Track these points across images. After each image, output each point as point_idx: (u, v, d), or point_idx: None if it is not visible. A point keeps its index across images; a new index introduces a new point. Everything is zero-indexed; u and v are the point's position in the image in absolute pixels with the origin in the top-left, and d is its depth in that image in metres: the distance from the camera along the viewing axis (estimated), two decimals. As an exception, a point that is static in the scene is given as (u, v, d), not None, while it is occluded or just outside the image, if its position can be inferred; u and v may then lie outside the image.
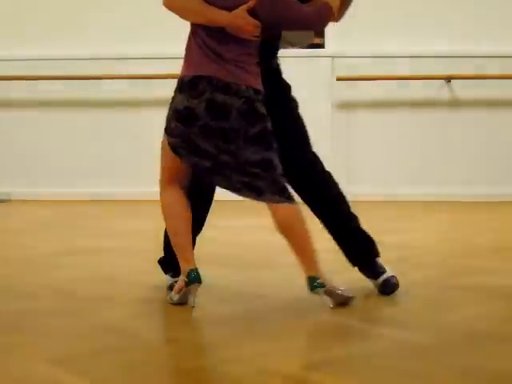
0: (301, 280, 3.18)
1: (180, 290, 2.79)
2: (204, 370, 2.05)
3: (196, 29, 2.77)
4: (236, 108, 2.69)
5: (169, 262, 3.08)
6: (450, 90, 6.99)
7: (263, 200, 2.76)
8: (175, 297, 2.80)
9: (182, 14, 2.80)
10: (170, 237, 2.88)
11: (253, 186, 2.74)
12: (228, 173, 2.75)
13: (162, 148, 2.83)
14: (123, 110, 7.15)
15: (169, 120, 2.80)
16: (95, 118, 7.17)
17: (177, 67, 2.94)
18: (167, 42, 6.44)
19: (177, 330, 2.47)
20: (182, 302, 2.79)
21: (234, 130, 2.70)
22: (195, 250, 2.93)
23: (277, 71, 3.06)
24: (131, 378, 2.00)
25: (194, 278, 2.75)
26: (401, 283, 3.03)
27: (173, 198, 2.85)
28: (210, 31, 2.72)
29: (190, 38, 2.80)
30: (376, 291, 3.02)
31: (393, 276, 3.03)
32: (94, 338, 2.37)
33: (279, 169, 2.76)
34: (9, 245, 4.40)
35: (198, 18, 2.73)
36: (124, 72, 7.05)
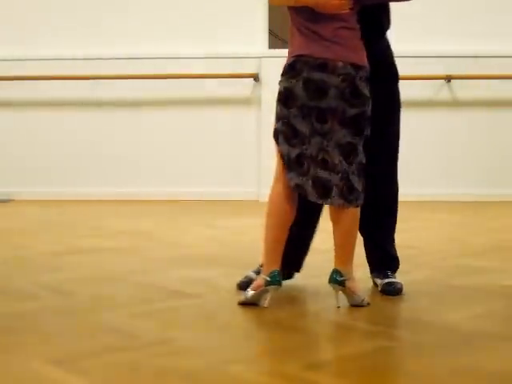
0: (300, 280, 3.18)
1: (258, 287, 2.76)
2: (204, 370, 2.05)
3: (292, 14, 2.79)
4: (335, 86, 2.67)
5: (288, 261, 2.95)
6: (449, 90, 6.99)
7: (327, 203, 2.74)
8: (249, 293, 2.77)
9: None
10: (266, 231, 2.81)
11: (324, 184, 2.71)
12: (306, 167, 2.72)
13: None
14: (123, 110, 7.15)
15: (276, 106, 2.79)
16: (95, 118, 7.17)
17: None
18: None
19: (176, 330, 2.47)
20: (254, 302, 2.76)
21: (331, 109, 2.68)
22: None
23: (384, 54, 2.94)
24: (131, 378, 2.00)
25: (277, 280, 2.73)
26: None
27: (280, 194, 2.78)
28: (304, 12, 2.72)
29: (290, 24, 2.82)
30: (378, 291, 3.03)
31: (400, 283, 3.03)
32: (94, 338, 2.37)
33: (361, 157, 2.72)
34: (9, 245, 4.40)
35: (286, 0, 2.75)
36: (124, 72, 7.04)
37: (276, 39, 8.29)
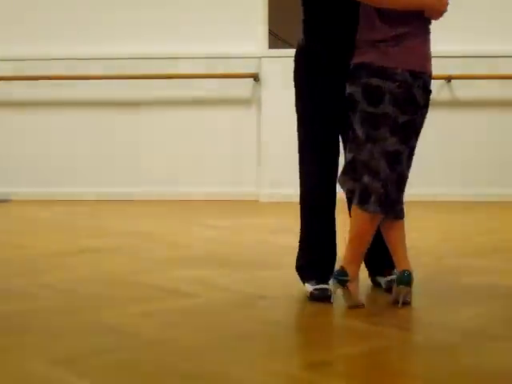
0: (300, 280, 3.17)
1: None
2: (204, 370, 2.05)
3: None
4: (390, 92, 2.70)
5: (306, 268, 2.99)
6: (449, 90, 6.99)
7: (363, 208, 2.75)
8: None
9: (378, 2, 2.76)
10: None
11: (365, 190, 2.74)
12: (359, 173, 2.76)
13: None
14: (123, 110, 7.15)
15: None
16: (95, 118, 7.17)
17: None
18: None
19: (177, 330, 2.47)
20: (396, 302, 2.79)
21: (385, 115, 2.71)
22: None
23: None
24: (131, 378, 2.00)
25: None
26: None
27: None
28: (365, 22, 2.76)
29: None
30: (375, 291, 3.03)
31: None
32: (94, 338, 2.37)
33: (403, 168, 2.76)
34: (9, 245, 4.39)
35: (396, 4, 2.73)
36: (124, 72, 7.05)
37: (276, 39, 8.29)
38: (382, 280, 3.07)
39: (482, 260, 3.82)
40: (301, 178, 3.01)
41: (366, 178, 2.74)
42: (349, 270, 2.74)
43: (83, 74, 7.05)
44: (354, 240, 2.78)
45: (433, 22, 2.88)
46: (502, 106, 7.01)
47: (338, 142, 2.96)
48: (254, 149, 7.02)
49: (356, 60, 2.78)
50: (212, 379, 1.99)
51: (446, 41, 6.91)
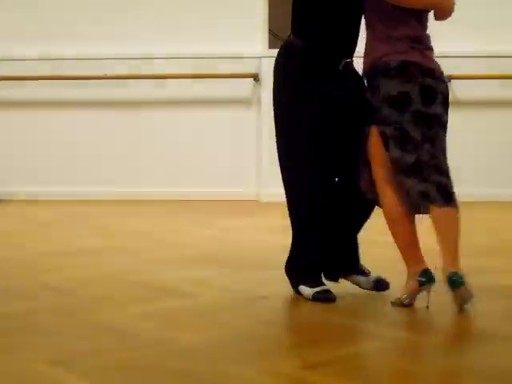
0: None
1: (413, 291, 2.77)
2: (204, 370, 2.05)
3: (375, 22, 2.80)
4: (441, 93, 2.75)
5: (304, 270, 2.96)
6: (450, 90, 6.99)
7: (450, 206, 2.77)
8: (406, 299, 2.77)
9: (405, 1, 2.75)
10: (394, 238, 2.86)
11: (447, 189, 2.74)
12: (426, 174, 2.72)
13: (372, 143, 2.81)
14: (123, 110, 7.14)
15: (378, 108, 2.76)
16: (95, 118, 7.17)
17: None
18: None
19: (176, 330, 2.47)
20: (411, 304, 2.76)
21: (437, 115, 2.74)
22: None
23: None
24: (131, 378, 2.00)
25: (432, 277, 2.73)
26: (400, 283, 3.02)
27: (393, 198, 2.81)
28: (392, 21, 2.76)
29: (369, 32, 2.83)
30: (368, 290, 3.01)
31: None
32: (94, 338, 2.37)
33: None
34: (9, 245, 4.39)
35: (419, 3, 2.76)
36: (123, 72, 7.05)
37: (276, 39, 8.28)
38: (364, 279, 3.03)
39: (482, 260, 3.81)
40: (296, 181, 2.95)
41: (437, 177, 2.73)
42: (457, 269, 2.72)
43: (83, 74, 7.05)
44: (457, 240, 2.80)
45: (432, 22, 2.88)
46: (502, 105, 7.01)
47: (334, 142, 2.91)
48: (254, 149, 7.02)
49: (400, 58, 2.72)
50: (212, 379, 1.99)
51: (445, 41, 6.92)
